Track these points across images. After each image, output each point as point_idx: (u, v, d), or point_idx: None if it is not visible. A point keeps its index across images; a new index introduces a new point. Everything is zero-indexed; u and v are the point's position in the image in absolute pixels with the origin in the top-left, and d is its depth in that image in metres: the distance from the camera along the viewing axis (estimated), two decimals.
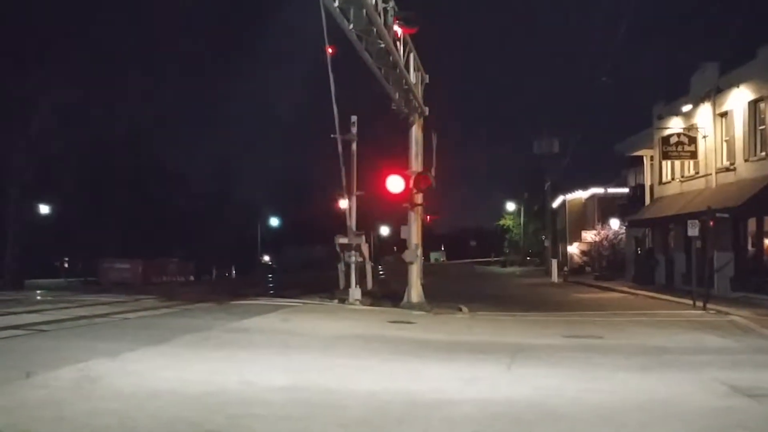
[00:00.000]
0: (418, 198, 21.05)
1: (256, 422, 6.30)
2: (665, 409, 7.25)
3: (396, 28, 16.86)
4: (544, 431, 6.35)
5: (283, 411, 6.74)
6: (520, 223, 78.22)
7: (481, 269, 72.30)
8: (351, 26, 14.84)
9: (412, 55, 19.67)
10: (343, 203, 21.14)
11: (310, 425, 6.28)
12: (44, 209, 43.77)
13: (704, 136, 28.01)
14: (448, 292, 27.13)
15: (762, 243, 24.47)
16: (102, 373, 8.08)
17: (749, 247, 25.47)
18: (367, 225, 45.67)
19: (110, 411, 6.46)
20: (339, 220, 20.87)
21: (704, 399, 7.78)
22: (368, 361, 10.05)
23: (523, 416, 6.78)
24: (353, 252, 20.59)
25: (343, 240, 20.55)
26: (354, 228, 20.85)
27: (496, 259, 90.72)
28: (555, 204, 56.35)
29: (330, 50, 18.29)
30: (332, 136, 20.81)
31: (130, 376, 8.03)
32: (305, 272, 49.13)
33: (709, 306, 20.00)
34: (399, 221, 24.83)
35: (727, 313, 18.66)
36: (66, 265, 46.95)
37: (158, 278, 43.21)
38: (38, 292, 25.71)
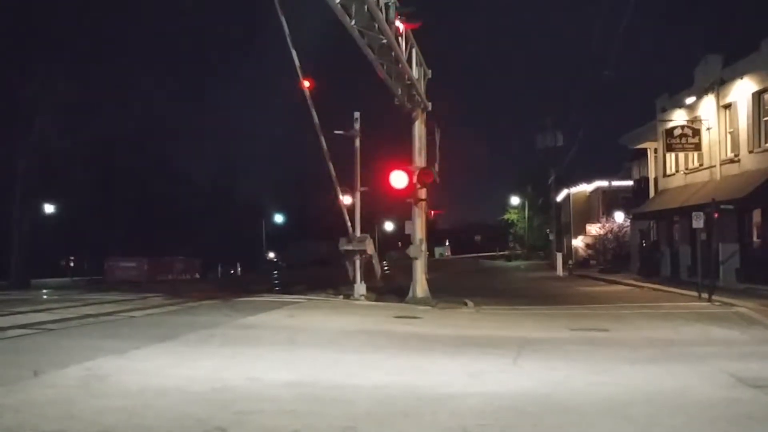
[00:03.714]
0: (422, 193, 21.07)
1: (263, 418, 6.33)
2: (672, 401, 7.25)
3: (398, 23, 16.88)
4: (551, 424, 6.35)
5: (290, 406, 6.76)
6: (524, 217, 78.25)
7: (485, 264, 72.32)
8: (353, 22, 14.84)
9: (414, 50, 19.66)
10: (344, 202, 21.14)
11: (317, 420, 6.29)
12: (50, 209, 43.92)
13: (708, 128, 27.96)
14: (453, 287, 27.17)
15: (767, 234, 24.43)
16: (109, 371, 8.11)
17: (754, 238, 25.44)
18: (371, 220, 45.67)
19: (118, 408, 6.49)
20: (343, 216, 20.85)
21: (711, 390, 7.78)
22: (374, 356, 10.08)
23: (529, 409, 6.79)
24: (357, 256, 20.63)
25: (348, 246, 20.56)
26: (358, 232, 20.80)
27: (500, 253, 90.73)
28: (559, 198, 56.30)
29: (307, 84, 18.41)
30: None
31: (137, 374, 8.06)
32: (311, 268, 49.24)
33: (714, 298, 19.99)
34: (403, 217, 24.82)
35: (732, 305, 18.64)
36: (72, 265, 47.08)
37: (164, 276, 43.33)
38: (44, 291, 25.83)
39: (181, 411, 6.49)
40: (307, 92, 18.65)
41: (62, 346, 10.14)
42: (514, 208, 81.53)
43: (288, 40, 17.65)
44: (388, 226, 76.42)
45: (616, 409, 6.83)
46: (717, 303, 19.41)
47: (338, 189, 20.45)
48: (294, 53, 17.90)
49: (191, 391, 7.27)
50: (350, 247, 20.60)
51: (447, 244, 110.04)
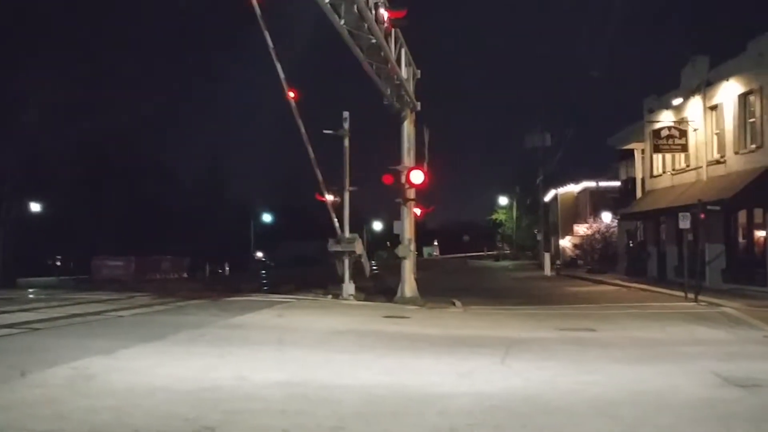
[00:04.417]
0: (411, 193, 21.12)
1: (251, 417, 6.33)
2: (659, 401, 7.32)
3: (383, 12, 16.84)
4: (539, 424, 6.39)
5: (278, 406, 6.77)
6: (512, 217, 78.40)
7: (474, 263, 72.43)
8: (342, 22, 14.86)
9: (403, 50, 19.70)
10: (333, 203, 21.22)
11: (305, 420, 6.31)
12: (36, 207, 43.65)
13: (695, 129, 28.12)
14: (441, 287, 27.22)
15: (752, 235, 24.62)
16: (97, 371, 8.09)
17: (740, 239, 25.62)
18: (360, 220, 45.63)
19: (107, 408, 6.48)
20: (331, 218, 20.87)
21: (697, 390, 7.86)
22: (363, 355, 10.10)
23: (518, 409, 6.83)
24: (346, 257, 20.68)
25: (337, 248, 20.63)
26: (347, 231, 20.82)
27: (489, 253, 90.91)
28: (547, 198, 56.47)
29: (292, 94, 18.54)
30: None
31: (125, 374, 8.05)
32: (299, 268, 49.17)
33: (700, 298, 20.13)
34: (392, 216, 24.88)
35: (718, 305, 18.79)
36: (58, 264, 46.81)
37: (151, 275, 43.13)
38: (30, 290, 25.66)
39: (169, 410, 6.49)
40: (293, 103, 18.76)
41: (49, 345, 10.09)
42: (503, 208, 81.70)
43: (272, 53, 17.84)
44: (377, 225, 76.47)
45: (604, 409, 6.88)
46: (703, 303, 19.55)
47: (325, 193, 20.54)
48: (279, 66, 18.07)
49: (180, 391, 7.27)
50: (339, 248, 20.64)
51: (435, 243, 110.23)
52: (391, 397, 7.28)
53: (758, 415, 6.78)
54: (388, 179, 20.25)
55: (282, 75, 18.26)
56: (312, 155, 19.59)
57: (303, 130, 19.15)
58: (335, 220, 20.58)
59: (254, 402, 6.92)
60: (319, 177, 20.16)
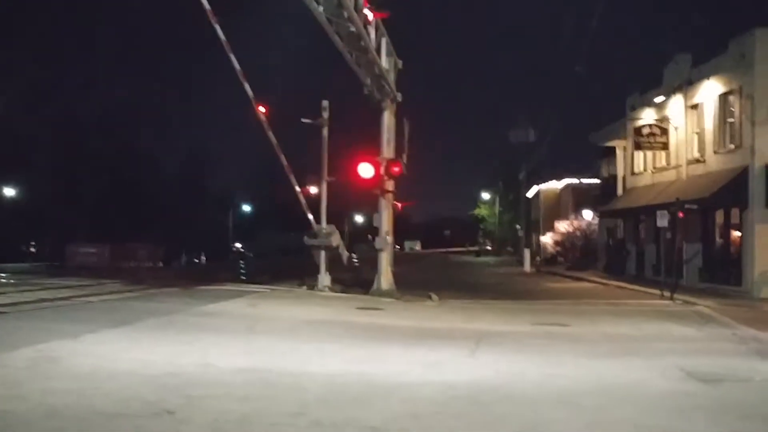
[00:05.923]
0: (389, 185, 21.00)
1: (213, 402, 6.28)
2: (623, 393, 7.36)
3: (366, 11, 16.78)
4: (502, 412, 6.38)
5: (242, 392, 6.73)
6: (494, 213, 78.53)
7: (455, 258, 72.56)
8: (321, 9, 14.75)
9: (384, 40, 19.55)
10: (310, 193, 21.17)
11: (268, 405, 6.28)
12: (11, 192, 43.14)
13: (676, 128, 28.24)
14: (420, 281, 27.18)
15: (729, 234, 24.77)
16: (61, 354, 8.01)
17: (717, 238, 25.76)
18: (341, 212, 45.47)
19: (67, 390, 6.43)
20: (312, 206, 20.74)
21: (662, 384, 7.92)
22: (332, 345, 10.06)
23: (482, 398, 6.83)
24: (323, 249, 20.61)
25: (314, 242, 20.57)
26: (324, 222, 20.73)
27: (470, 248, 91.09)
28: (529, 194, 56.60)
29: (263, 109, 18.50)
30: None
31: (90, 357, 7.98)
32: (278, 259, 49.02)
33: (676, 296, 20.25)
34: (374, 210, 24.75)
35: (693, 303, 18.92)
36: (33, 250, 46.28)
37: (126, 263, 42.75)
38: (2, 275, 25.36)
39: (131, 394, 6.43)
40: (263, 118, 18.70)
41: (15, 328, 10.00)
42: (485, 203, 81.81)
43: (239, 75, 17.87)
44: (359, 218, 76.36)
45: (567, 399, 6.89)
46: (678, 301, 19.68)
47: (301, 197, 20.48)
48: (246, 86, 18.07)
49: (143, 375, 7.22)
50: (316, 242, 20.57)
51: (418, 241, 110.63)
52: (356, 385, 7.25)
53: (718, 408, 6.85)
54: (363, 170, 20.03)
55: (251, 94, 18.24)
56: (285, 163, 19.55)
57: (275, 141, 19.12)
58: (309, 215, 20.48)
59: (217, 387, 6.88)
60: (294, 182, 20.14)
